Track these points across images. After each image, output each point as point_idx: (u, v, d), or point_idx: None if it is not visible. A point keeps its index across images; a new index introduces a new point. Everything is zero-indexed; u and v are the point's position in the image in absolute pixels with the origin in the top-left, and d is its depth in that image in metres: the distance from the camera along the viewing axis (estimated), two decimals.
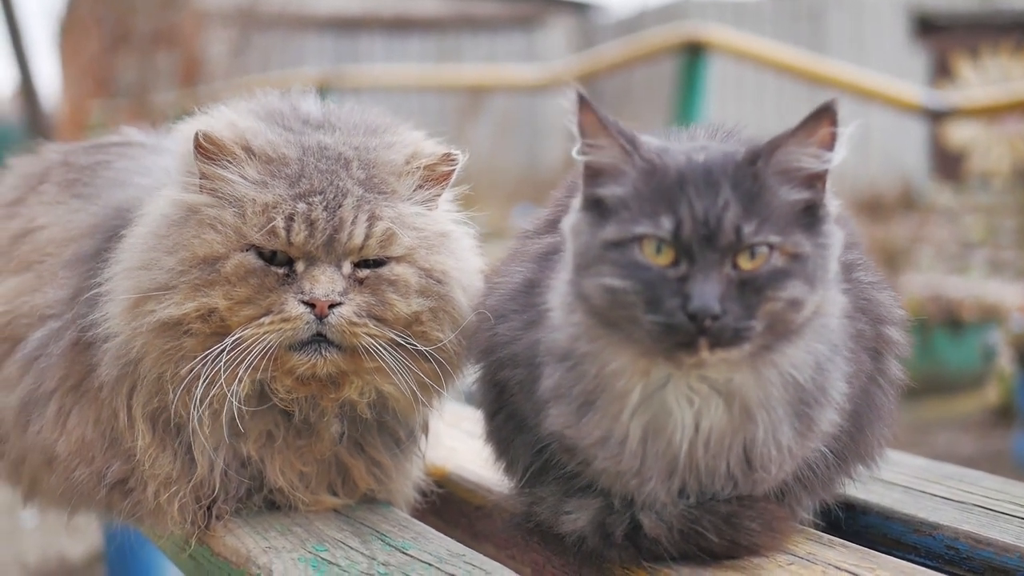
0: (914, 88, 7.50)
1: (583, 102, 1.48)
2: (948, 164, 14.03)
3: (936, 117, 8.86)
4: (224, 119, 1.78)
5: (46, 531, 4.67)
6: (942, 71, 14.43)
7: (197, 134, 1.69)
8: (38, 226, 2.01)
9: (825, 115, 1.45)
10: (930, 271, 8.49)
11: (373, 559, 1.61)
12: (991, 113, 7.55)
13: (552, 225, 1.78)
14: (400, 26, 16.85)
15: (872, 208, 10.92)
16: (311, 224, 1.65)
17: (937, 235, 9.99)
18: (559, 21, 17.52)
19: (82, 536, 4.48)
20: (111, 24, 14.41)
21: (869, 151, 14.08)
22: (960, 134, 11.54)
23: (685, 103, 7.14)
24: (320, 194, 1.67)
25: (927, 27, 16.37)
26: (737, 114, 14.91)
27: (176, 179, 1.76)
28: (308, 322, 1.66)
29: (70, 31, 17.25)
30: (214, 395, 1.67)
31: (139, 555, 3.45)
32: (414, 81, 10.48)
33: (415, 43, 16.74)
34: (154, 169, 1.95)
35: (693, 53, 7.10)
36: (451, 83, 10.88)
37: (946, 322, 6.78)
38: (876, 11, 16.06)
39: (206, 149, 1.70)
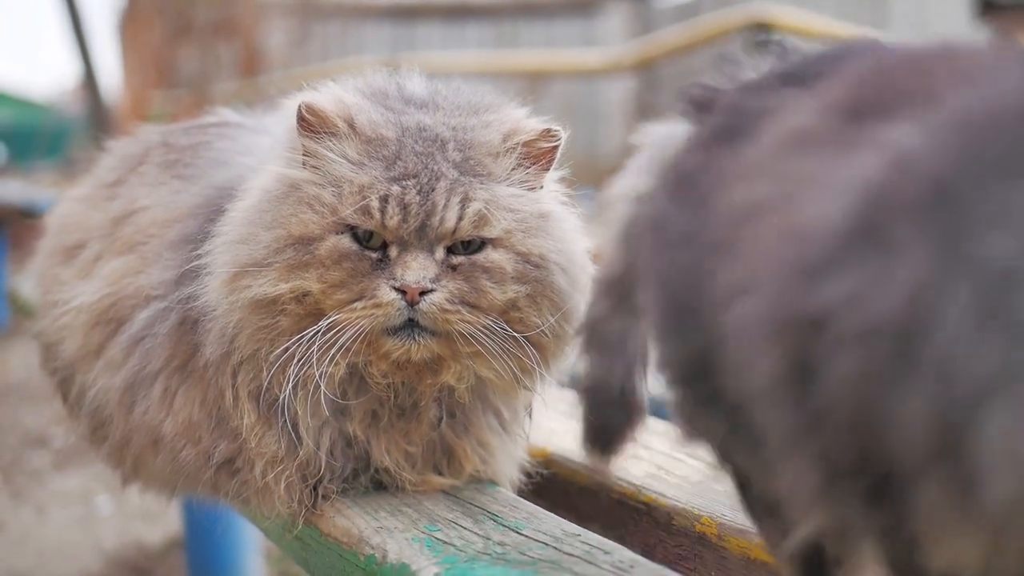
0: None
1: None
2: None
3: None
4: (330, 94, 1.77)
5: (123, 517, 4.70)
6: None
7: (300, 105, 1.68)
8: (140, 207, 2.01)
9: None
10: None
11: (488, 539, 1.59)
12: None
13: None
14: (457, 13, 16.83)
15: None
16: (405, 208, 1.63)
17: None
18: (617, 7, 17.41)
19: (160, 522, 4.52)
20: (172, 15, 14.54)
21: None
22: None
23: None
24: (414, 177, 1.65)
25: (990, 7, 16.13)
26: None
27: (280, 153, 1.75)
28: (399, 308, 1.64)
29: (131, 22, 17.40)
30: (307, 375, 1.67)
31: (219, 540, 3.46)
32: (473, 67, 10.46)
33: (472, 30, 16.73)
34: (255, 149, 1.95)
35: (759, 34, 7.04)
36: (511, 68, 10.86)
37: None
38: None
39: (309, 121, 1.68)
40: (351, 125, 1.69)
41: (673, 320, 1.28)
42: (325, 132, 1.68)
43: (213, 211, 1.81)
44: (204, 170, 2.00)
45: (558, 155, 1.79)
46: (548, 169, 1.78)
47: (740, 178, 1.19)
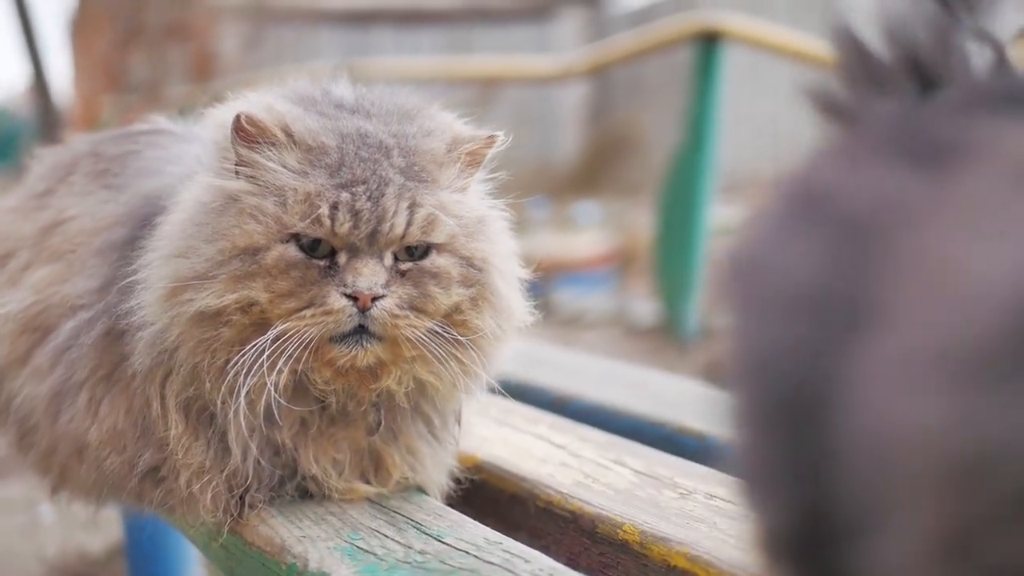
0: None
1: None
2: None
3: None
4: (260, 103, 1.76)
5: (65, 525, 4.66)
6: None
7: (239, 116, 1.67)
8: (68, 217, 2.00)
9: None
10: None
11: (409, 548, 1.60)
12: None
13: None
14: (412, 19, 16.85)
15: None
16: (356, 214, 1.63)
17: None
18: (571, 12, 17.49)
19: (101, 530, 4.48)
20: (123, 19, 14.45)
21: None
22: None
23: (701, 94, 7.11)
24: (363, 183, 1.65)
25: None
26: (751, 105, 14.88)
27: (211, 165, 1.74)
28: (351, 315, 1.64)
29: (82, 26, 17.29)
30: (252, 386, 1.66)
31: (159, 549, 3.44)
32: (427, 73, 10.43)
33: (427, 36, 16.75)
34: (185, 157, 1.94)
35: (708, 43, 7.07)
36: (464, 74, 10.84)
37: None
38: None
39: (247, 132, 1.67)
40: (288, 134, 1.68)
41: (773, 432, 0.82)
42: (264, 142, 1.68)
43: (140, 220, 1.81)
44: (132, 180, 1.99)
45: (488, 157, 1.80)
46: (478, 171, 1.80)
47: (951, 224, 0.75)
